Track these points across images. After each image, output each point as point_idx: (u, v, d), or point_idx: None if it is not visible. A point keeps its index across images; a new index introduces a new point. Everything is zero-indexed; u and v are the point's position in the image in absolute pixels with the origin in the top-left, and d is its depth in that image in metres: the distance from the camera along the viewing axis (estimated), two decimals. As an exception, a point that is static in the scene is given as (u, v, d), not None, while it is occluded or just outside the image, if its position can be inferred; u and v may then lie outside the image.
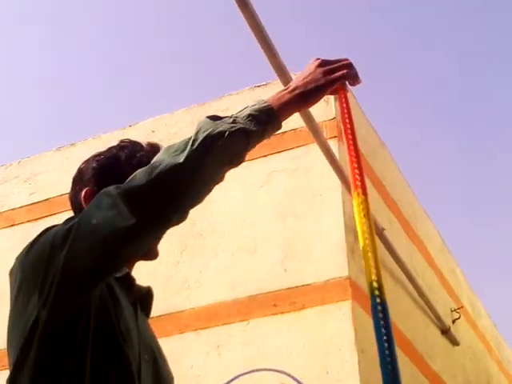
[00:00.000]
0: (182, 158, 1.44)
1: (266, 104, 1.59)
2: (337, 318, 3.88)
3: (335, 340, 3.82)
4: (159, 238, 1.63)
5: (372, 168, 4.92)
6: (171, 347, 3.83)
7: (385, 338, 1.26)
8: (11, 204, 5.35)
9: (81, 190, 1.77)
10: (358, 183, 1.50)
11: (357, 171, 1.52)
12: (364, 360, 3.77)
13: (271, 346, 3.93)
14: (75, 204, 1.79)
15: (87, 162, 1.83)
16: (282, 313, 4.03)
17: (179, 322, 4.25)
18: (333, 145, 4.05)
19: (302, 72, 1.67)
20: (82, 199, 1.74)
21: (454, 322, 6.01)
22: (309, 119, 3.40)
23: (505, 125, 19.45)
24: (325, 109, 4.44)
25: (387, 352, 1.24)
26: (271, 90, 4.61)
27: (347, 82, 1.69)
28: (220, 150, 1.47)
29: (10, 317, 1.54)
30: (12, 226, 5.21)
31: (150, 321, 1.79)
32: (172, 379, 1.75)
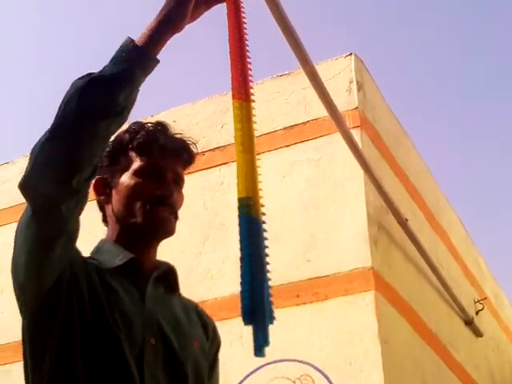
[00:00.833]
0: (48, 134, 1.43)
1: (126, 40, 1.45)
2: (360, 309, 3.86)
3: (358, 331, 3.81)
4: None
5: (395, 158, 4.89)
6: (194, 337, 3.83)
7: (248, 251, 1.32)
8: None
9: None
10: (241, 90, 1.40)
11: (241, 78, 1.42)
12: (387, 350, 3.75)
13: (294, 336, 3.92)
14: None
15: None
16: (304, 303, 4.02)
17: (202, 312, 4.24)
18: (355, 134, 4.03)
19: None
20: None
21: (477, 313, 5.97)
22: (332, 109, 3.39)
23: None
24: (347, 98, 4.42)
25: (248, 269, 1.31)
26: (294, 80, 4.62)
27: None
28: (79, 110, 1.39)
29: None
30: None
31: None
32: (197, 362, 1.70)
